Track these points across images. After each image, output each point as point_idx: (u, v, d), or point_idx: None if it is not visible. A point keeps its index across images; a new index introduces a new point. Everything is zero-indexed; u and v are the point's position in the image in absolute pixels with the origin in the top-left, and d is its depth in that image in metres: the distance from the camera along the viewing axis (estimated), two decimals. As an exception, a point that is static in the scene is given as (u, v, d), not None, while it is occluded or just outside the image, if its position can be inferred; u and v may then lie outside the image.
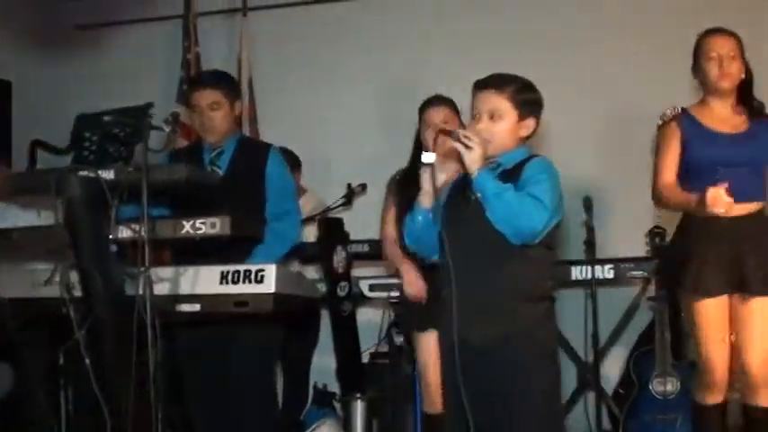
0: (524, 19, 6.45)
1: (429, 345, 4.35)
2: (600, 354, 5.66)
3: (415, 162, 4.41)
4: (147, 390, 3.51)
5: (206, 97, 4.36)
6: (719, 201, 3.86)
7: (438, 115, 4.46)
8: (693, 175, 4.17)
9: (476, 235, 3.32)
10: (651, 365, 5.22)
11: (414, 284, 4.49)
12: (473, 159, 3.26)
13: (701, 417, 4.34)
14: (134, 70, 7.02)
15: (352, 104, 6.67)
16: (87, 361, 3.58)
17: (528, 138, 3.46)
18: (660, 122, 4.28)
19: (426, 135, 4.44)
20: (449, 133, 3.40)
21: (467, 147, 3.26)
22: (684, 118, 4.23)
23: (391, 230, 4.63)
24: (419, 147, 4.53)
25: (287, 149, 5.39)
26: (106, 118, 3.72)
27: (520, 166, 3.37)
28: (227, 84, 4.47)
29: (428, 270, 4.21)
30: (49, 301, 3.72)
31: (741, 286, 4.11)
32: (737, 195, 3.96)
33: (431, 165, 3.41)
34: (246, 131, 6.63)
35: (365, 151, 6.36)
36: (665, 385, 5.16)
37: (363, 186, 6.01)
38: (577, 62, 6.26)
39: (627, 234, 5.83)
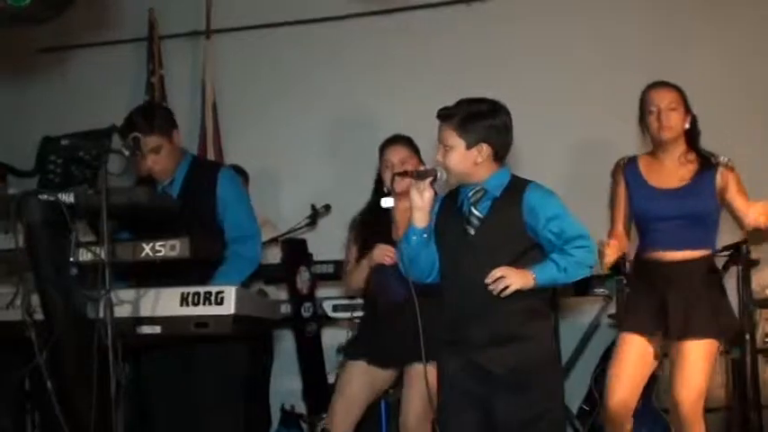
0: (484, 50, 6.47)
1: (352, 373, 4.52)
2: (563, 370, 5.69)
3: (375, 202, 4.54)
4: (109, 413, 3.53)
5: (144, 144, 4.25)
6: None
7: (396, 155, 4.51)
8: (636, 222, 4.40)
9: (481, 260, 3.51)
10: (613, 382, 5.25)
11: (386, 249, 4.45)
12: (526, 282, 3.46)
13: None
14: (98, 93, 7.01)
15: (314, 126, 6.69)
16: (49, 384, 3.59)
17: (499, 160, 3.60)
18: (612, 170, 4.45)
19: (385, 175, 4.50)
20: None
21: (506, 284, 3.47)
22: (628, 168, 4.39)
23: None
24: (380, 185, 4.59)
25: (235, 165, 5.43)
26: (64, 142, 3.74)
27: (513, 194, 3.57)
28: (160, 124, 4.32)
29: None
30: (10, 324, 3.73)
31: (666, 331, 4.19)
32: (673, 245, 4.21)
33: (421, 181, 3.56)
34: (211, 155, 6.65)
35: (328, 172, 6.39)
36: (626, 401, 5.18)
37: (327, 207, 6.03)
38: (545, 85, 6.30)
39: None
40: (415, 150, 4.57)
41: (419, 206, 3.58)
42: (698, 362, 4.17)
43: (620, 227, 4.41)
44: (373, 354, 4.49)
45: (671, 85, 4.32)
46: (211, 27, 6.97)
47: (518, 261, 3.52)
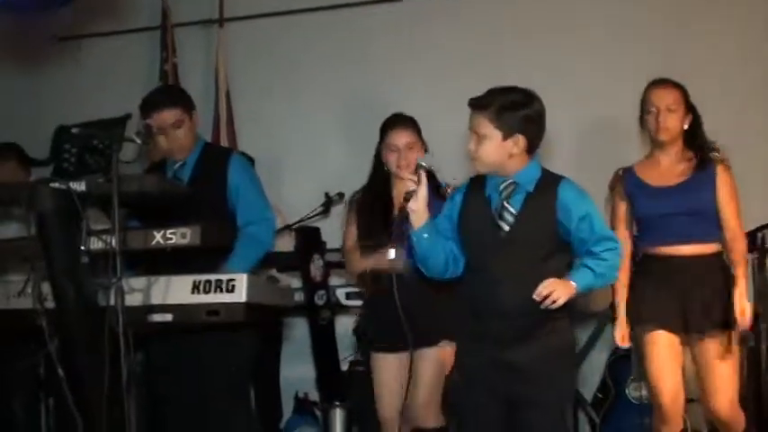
0: (491, 35, 6.43)
1: (387, 367, 4.50)
2: (578, 359, 5.67)
3: (374, 181, 4.59)
4: (121, 400, 3.53)
5: (167, 117, 4.28)
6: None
7: (401, 139, 4.48)
8: (642, 226, 4.38)
9: (513, 258, 3.45)
10: (627, 370, 5.24)
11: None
12: (570, 292, 3.39)
13: None
14: (112, 81, 7.01)
15: (326, 113, 6.68)
16: (60, 372, 3.60)
17: (530, 151, 3.52)
18: (609, 185, 4.46)
19: (390, 159, 4.48)
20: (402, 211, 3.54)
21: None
22: (626, 177, 4.40)
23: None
24: (380, 165, 4.58)
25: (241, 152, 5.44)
26: (74, 130, 3.73)
27: (546, 190, 3.49)
28: (183, 99, 4.39)
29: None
30: (22, 312, 3.74)
31: (687, 326, 4.22)
32: (682, 240, 4.22)
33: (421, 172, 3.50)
34: (224, 142, 6.64)
35: (341, 159, 6.38)
36: (640, 390, 5.17)
37: (341, 195, 6.02)
38: (546, 75, 6.24)
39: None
40: (418, 132, 4.54)
41: (413, 209, 3.49)
42: (725, 359, 4.20)
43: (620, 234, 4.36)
44: (387, 341, 4.46)
45: (672, 85, 4.32)
46: (224, 15, 6.95)
47: (549, 260, 3.46)
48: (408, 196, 3.49)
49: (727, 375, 4.22)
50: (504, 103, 3.45)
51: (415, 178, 3.48)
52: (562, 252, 3.51)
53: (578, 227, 3.44)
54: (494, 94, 3.49)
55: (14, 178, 5.26)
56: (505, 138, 3.45)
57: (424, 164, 3.53)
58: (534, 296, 3.36)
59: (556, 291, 3.36)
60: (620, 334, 4.38)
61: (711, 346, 4.19)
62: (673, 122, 4.25)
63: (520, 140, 3.46)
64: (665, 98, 4.26)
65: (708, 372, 4.22)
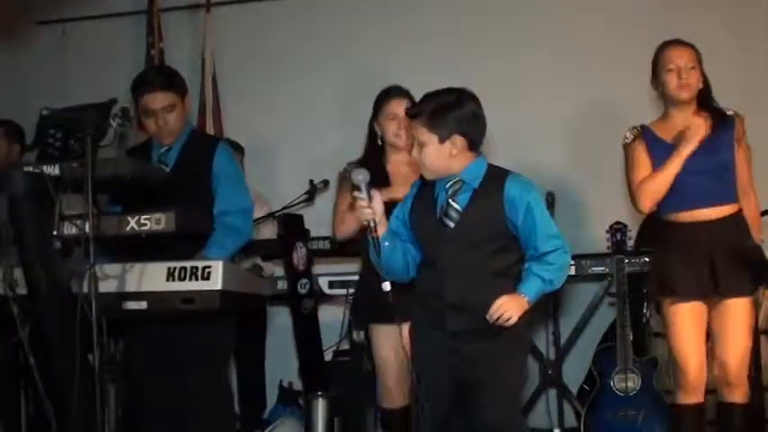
0: (487, 16, 6.43)
1: (389, 338, 4.35)
2: (563, 351, 5.66)
3: (369, 154, 4.56)
4: (93, 390, 3.48)
5: (160, 100, 4.23)
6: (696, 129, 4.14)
7: (401, 108, 4.38)
8: None
9: (459, 254, 3.50)
10: (613, 362, 5.19)
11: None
12: (522, 307, 3.46)
13: (678, 417, 4.36)
14: (98, 66, 6.97)
15: (314, 100, 6.65)
16: (31, 360, 3.55)
17: (474, 149, 3.54)
18: (625, 142, 4.35)
19: (389, 127, 4.42)
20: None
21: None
22: (646, 134, 4.31)
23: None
24: (374, 138, 4.55)
25: (230, 140, 5.39)
26: (44, 112, 3.67)
27: (492, 185, 3.52)
28: (177, 82, 4.33)
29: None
30: (-7, 299, 3.68)
31: (715, 290, 4.17)
32: (704, 201, 4.17)
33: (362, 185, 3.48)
34: (210, 129, 6.59)
35: (328, 146, 6.34)
36: (626, 381, 5.12)
37: (326, 183, 5.96)
38: (544, 58, 6.24)
39: (589, 230, 5.82)
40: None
41: (377, 221, 3.50)
42: (742, 320, 4.19)
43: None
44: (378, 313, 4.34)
45: (688, 44, 4.29)
46: (211, 0, 6.90)
47: (498, 255, 3.51)
48: (372, 224, 3.47)
49: (744, 332, 4.21)
50: (435, 107, 3.50)
51: (366, 203, 3.46)
52: (513, 248, 3.54)
53: (524, 221, 3.48)
54: (426, 99, 3.56)
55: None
56: (442, 141, 3.49)
57: (360, 176, 3.49)
58: (487, 317, 3.43)
59: (509, 309, 3.43)
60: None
61: (737, 306, 4.17)
62: (694, 79, 4.23)
63: (457, 141, 3.50)
64: (684, 56, 4.23)
65: (724, 325, 4.19)
